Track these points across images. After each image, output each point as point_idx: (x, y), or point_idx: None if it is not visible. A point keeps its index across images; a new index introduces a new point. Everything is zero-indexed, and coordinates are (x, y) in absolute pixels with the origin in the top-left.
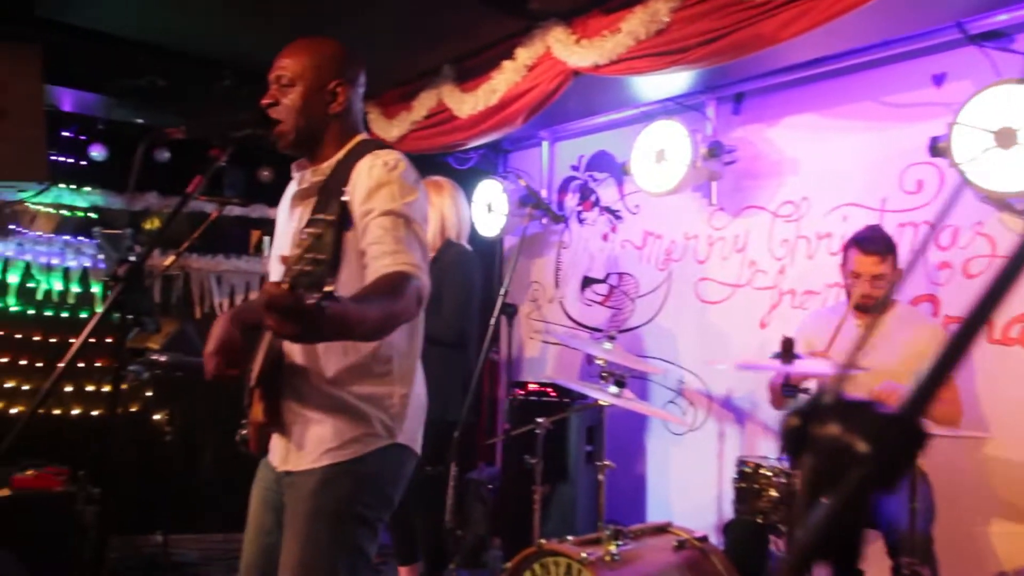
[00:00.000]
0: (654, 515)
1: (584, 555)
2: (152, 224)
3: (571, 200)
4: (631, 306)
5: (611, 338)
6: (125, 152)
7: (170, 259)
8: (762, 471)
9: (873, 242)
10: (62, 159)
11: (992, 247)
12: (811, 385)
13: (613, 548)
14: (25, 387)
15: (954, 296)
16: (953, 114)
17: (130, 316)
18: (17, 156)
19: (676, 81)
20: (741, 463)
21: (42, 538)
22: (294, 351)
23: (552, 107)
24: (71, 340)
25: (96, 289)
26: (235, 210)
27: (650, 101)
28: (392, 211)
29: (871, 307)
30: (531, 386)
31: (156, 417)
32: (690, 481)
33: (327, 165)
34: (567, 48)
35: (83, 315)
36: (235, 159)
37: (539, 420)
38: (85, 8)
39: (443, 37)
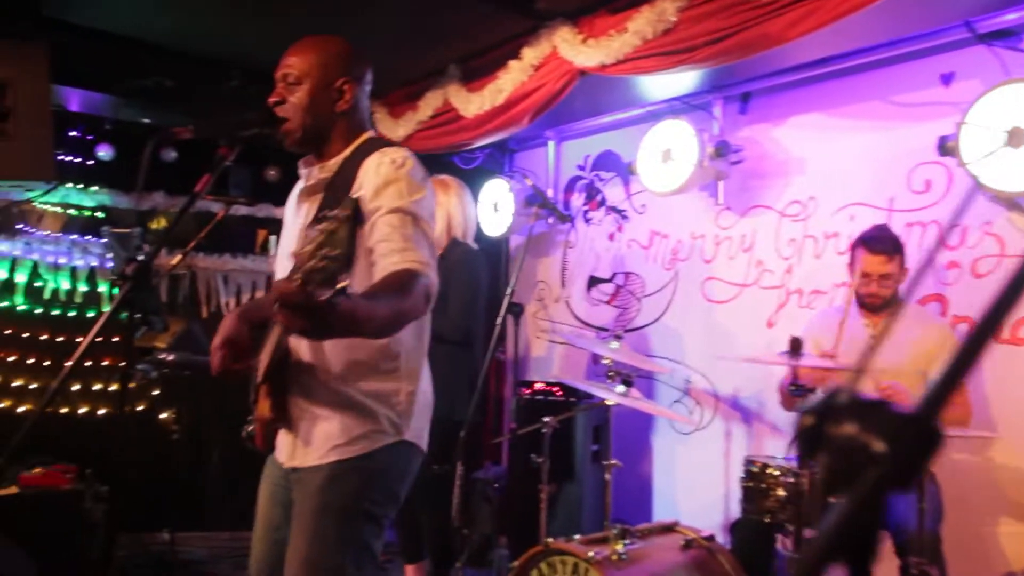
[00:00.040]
0: (661, 514)
1: (591, 554)
2: (159, 223)
3: (577, 200)
4: (637, 305)
5: (617, 337)
6: (132, 152)
7: (177, 258)
8: (769, 470)
9: (880, 242)
10: (69, 159)
11: (1001, 247)
12: (818, 385)
13: (620, 547)
14: (33, 385)
15: (962, 296)
16: (962, 113)
17: (138, 315)
18: (24, 156)
19: (682, 81)
20: (748, 462)
21: (50, 536)
22: (301, 347)
23: (558, 107)
24: (78, 339)
25: (103, 288)
26: (241, 209)
27: (656, 101)
28: (400, 208)
29: (879, 307)
30: (537, 385)
31: (163, 415)
32: (697, 480)
33: (334, 162)
34: (573, 48)
35: (90, 314)
36: (241, 158)
37: (545, 419)
38: (92, 8)
39: (449, 37)
